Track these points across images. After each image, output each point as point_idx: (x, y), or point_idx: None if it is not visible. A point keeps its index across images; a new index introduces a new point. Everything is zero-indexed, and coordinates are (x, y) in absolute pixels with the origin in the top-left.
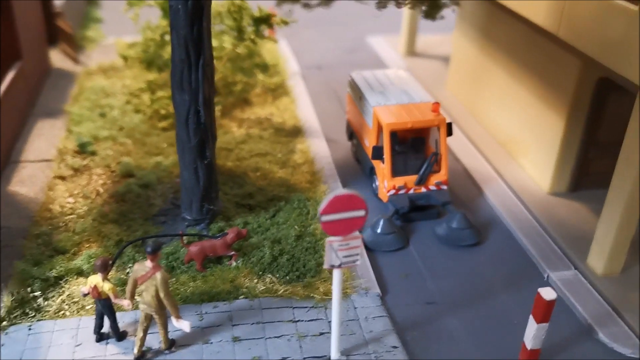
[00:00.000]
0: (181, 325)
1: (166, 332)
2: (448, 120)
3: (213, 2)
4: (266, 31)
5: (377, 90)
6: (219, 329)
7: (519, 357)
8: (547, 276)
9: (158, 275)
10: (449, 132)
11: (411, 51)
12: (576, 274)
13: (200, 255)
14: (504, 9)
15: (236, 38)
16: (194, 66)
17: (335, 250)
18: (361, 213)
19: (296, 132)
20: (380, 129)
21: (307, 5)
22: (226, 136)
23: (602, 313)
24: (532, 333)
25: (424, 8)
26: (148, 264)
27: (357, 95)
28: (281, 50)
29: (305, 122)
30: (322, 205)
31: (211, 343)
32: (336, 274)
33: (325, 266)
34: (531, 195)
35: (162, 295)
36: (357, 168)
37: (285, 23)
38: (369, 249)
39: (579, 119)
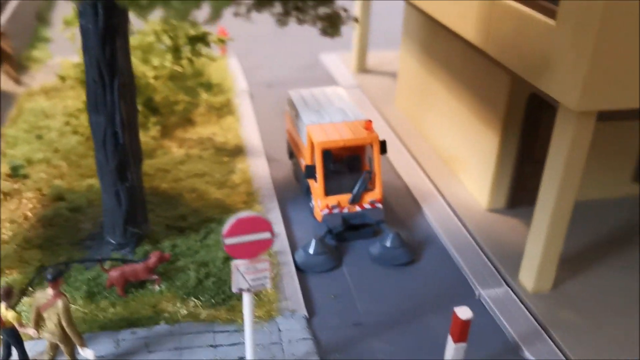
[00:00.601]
0: (86, 354)
1: None
2: (381, 138)
3: (151, 20)
4: (218, 49)
5: (313, 108)
6: (134, 357)
7: None
8: (479, 294)
9: (59, 304)
10: (383, 150)
11: (362, 68)
12: (507, 291)
13: (121, 280)
14: (441, 25)
15: (173, 57)
16: (109, 87)
17: (242, 273)
18: (267, 235)
19: (238, 151)
20: (313, 147)
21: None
22: (165, 157)
23: (529, 331)
24: (451, 353)
25: (321, 26)
26: (49, 291)
27: (294, 113)
28: (231, 68)
29: (248, 141)
30: (225, 228)
31: None
32: (246, 298)
33: (234, 290)
34: (469, 212)
35: (64, 323)
36: (297, 187)
37: (222, 42)
38: (300, 270)
39: (512, 135)
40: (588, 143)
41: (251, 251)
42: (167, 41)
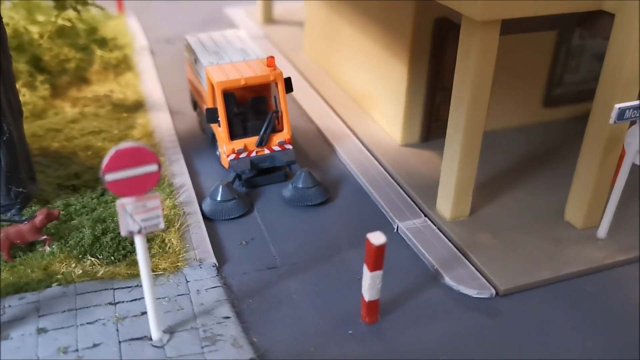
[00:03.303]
0: None
1: None
2: (286, 76)
3: None
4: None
5: (212, 50)
6: (22, 322)
7: (360, 310)
8: (397, 227)
9: None
10: (289, 88)
11: (269, 19)
12: (425, 221)
13: (6, 244)
14: None
15: (57, 6)
16: None
17: (131, 213)
18: (153, 168)
19: (137, 107)
20: (214, 89)
21: None
22: (56, 117)
23: (449, 257)
24: (368, 283)
25: None
26: None
27: (193, 58)
28: (130, 26)
29: (149, 97)
30: (104, 162)
31: (11, 339)
32: (138, 242)
33: (123, 233)
34: (383, 149)
35: None
36: (203, 139)
37: None
38: (208, 219)
39: (421, 65)
40: (494, 57)
41: (137, 187)
42: None
